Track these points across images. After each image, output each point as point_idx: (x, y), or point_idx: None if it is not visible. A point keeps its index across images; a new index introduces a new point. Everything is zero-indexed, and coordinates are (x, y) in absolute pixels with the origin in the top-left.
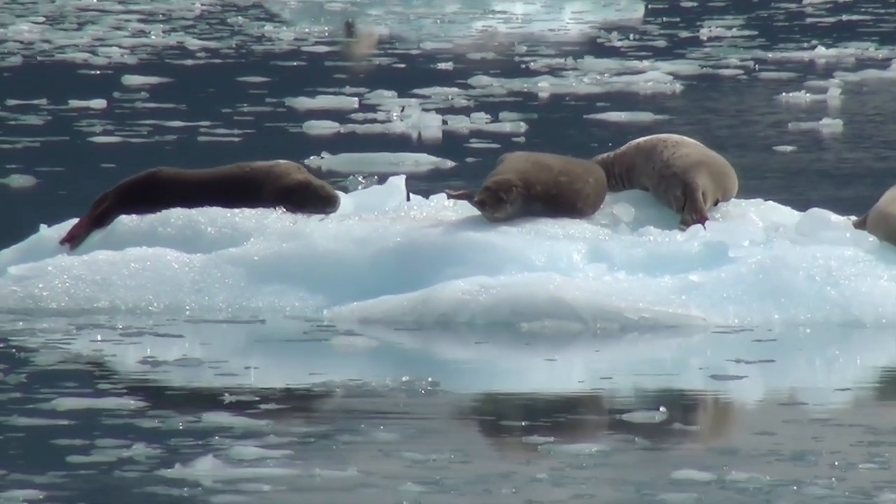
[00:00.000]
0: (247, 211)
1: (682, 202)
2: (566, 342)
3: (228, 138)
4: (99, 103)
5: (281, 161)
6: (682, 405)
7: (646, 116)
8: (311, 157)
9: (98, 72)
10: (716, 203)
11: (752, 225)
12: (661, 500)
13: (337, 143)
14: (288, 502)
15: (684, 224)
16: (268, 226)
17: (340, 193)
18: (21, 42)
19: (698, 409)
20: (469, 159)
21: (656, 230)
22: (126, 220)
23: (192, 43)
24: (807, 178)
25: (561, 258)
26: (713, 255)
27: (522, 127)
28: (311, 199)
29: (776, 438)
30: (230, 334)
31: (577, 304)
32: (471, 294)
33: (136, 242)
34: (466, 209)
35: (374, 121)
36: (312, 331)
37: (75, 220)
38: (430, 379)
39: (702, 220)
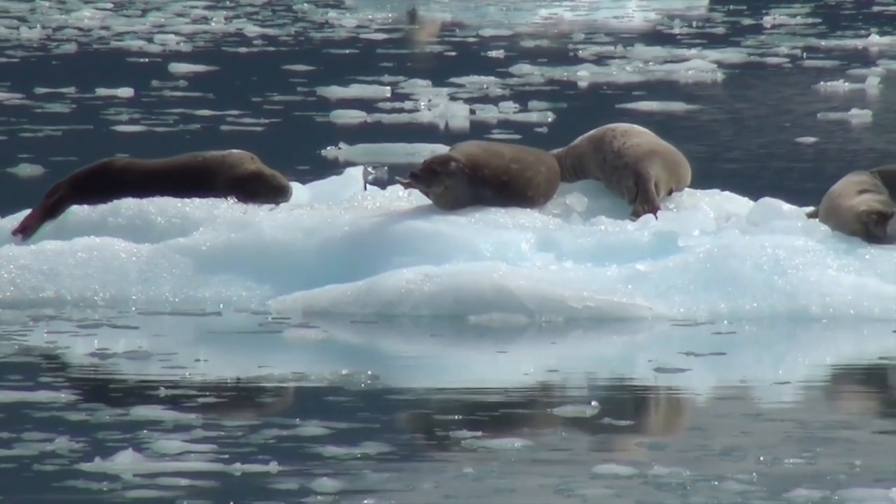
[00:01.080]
0: (197, 201)
1: (635, 193)
2: (511, 335)
3: (251, 128)
4: (126, 92)
5: (234, 151)
6: (617, 399)
7: (678, 106)
8: (329, 147)
9: (147, 60)
10: (669, 193)
11: (703, 215)
12: (580, 495)
13: (361, 133)
14: (202, 497)
15: (636, 215)
16: (218, 216)
17: (296, 184)
18: (80, 29)
19: (632, 403)
20: None
21: (608, 220)
22: (77, 210)
23: (251, 30)
24: (816, 169)
25: (509, 247)
26: (663, 245)
27: (549, 116)
28: (263, 188)
29: (706, 433)
30: (174, 325)
31: (522, 293)
32: (415, 283)
33: (86, 232)
34: (419, 199)
35: (401, 110)
36: (257, 322)
37: (28, 211)
38: (369, 373)
39: (654, 210)
